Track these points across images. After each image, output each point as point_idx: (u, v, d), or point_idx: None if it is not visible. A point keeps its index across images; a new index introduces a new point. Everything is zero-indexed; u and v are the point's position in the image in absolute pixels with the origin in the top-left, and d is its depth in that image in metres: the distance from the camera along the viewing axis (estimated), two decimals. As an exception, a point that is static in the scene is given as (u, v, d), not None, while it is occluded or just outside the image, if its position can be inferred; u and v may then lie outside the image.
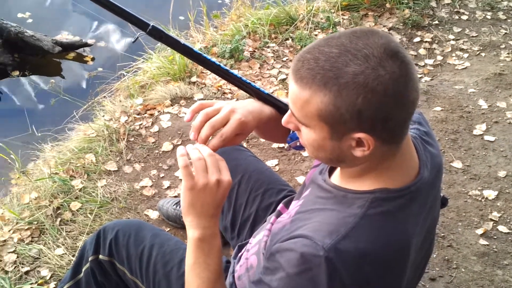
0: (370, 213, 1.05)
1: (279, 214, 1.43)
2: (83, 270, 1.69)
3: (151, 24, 1.40)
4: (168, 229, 2.49)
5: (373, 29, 1.00)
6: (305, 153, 2.86)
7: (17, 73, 4.29)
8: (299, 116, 1.04)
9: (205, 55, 1.46)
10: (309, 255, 1.00)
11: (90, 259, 1.66)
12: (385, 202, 1.06)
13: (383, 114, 0.96)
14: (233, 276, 1.52)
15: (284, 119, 1.15)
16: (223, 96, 3.42)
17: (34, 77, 4.34)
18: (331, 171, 1.25)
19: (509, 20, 4.41)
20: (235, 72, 1.46)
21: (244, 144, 2.86)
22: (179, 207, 2.46)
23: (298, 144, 1.36)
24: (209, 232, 1.22)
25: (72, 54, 4.53)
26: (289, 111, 1.11)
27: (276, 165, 2.87)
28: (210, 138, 1.30)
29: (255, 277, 1.18)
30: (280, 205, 1.50)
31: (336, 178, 1.19)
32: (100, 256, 1.65)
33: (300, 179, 2.74)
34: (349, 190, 1.11)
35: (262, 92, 1.43)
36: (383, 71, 0.93)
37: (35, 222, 2.51)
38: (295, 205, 1.28)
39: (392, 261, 1.06)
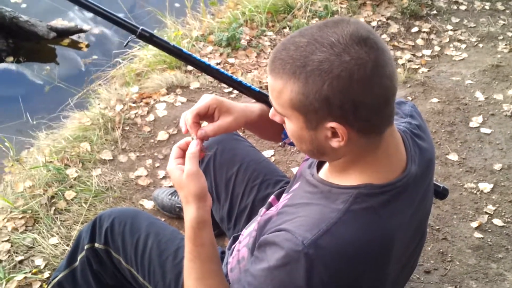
0: (353, 209, 1.05)
1: (269, 207, 1.44)
2: (78, 258, 1.69)
3: (141, 28, 1.47)
4: (163, 219, 2.48)
5: (345, 18, 1.00)
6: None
7: (11, 59, 4.25)
8: (277, 107, 1.06)
9: (195, 55, 1.50)
10: (289, 249, 1.01)
11: (85, 247, 1.66)
12: (368, 197, 1.06)
13: (350, 100, 0.96)
14: (227, 268, 1.52)
15: (271, 112, 1.17)
16: (219, 85, 3.40)
17: (28, 63, 4.30)
18: (320, 166, 1.25)
19: (507, 11, 4.40)
20: (226, 71, 1.50)
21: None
22: (174, 197, 2.46)
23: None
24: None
25: (67, 40, 4.49)
26: None
27: (272, 155, 2.86)
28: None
29: (245, 268, 1.18)
30: (272, 197, 1.50)
31: (324, 172, 1.20)
32: (96, 245, 1.65)
33: (296, 170, 2.72)
34: (334, 185, 1.12)
35: (254, 90, 1.48)
36: (348, 57, 0.94)
37: (29, 211, 2.49)
38: (283, 198, 1.29)
39: (373, 257, 1.06)
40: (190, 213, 1.22)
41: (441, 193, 1.78)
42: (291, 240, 1.01)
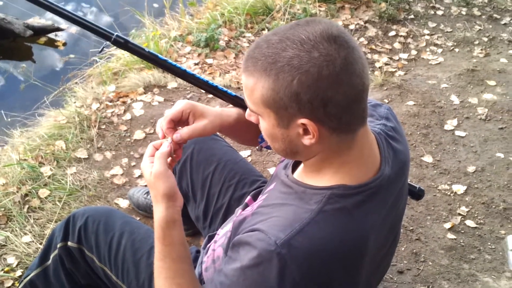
0: (326, 209, 1.05)
1: (245, 207, 1.44)
2: (51, 257, 1.67)
3: (115, 34, 1.49)
4: (139, 218, 2.46)
5: (317, 18, 1.03)
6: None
7: (-14, 56, 4.20)
8: (250, 105, 1.07)
9: (170, 61, 1.51)
10: (261, 249, 1.01)
11: (58, 245, 1.64)
12: (342, 198, 1.07)
13: (319, 96, 0.97)
14: (202, 267, 1.52)
15: (246, 113, 1.18)
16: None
17: (4, 61, 4.25)
18: (295, 167, 1.25)
19: (483, 17, 4.47)
20: (202, 76, 1.51)
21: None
22: (150, 196, 2.44)
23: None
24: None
25: (43, 39, 4.46)
26: None
27: (248, 156, 2.86)
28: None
29: (219, 268, 1.18)
30: (248, 198, 1.51)
31: (298, 173, 1.21)
32: (69, 243, 1.63)
33: (272, 170, 2.73)
34: (308, 185, 1.12)
35: (230, 94, 1.49)
36: (317, 53, 0.95)
37: (2, 209, 2.46)
38: (259, 199, 1.29)
39: (346, 258, 1.07)
40: (158, 213, 1.22)
41: (417, 194, 1.80)
42: (264, 240, 1.01)
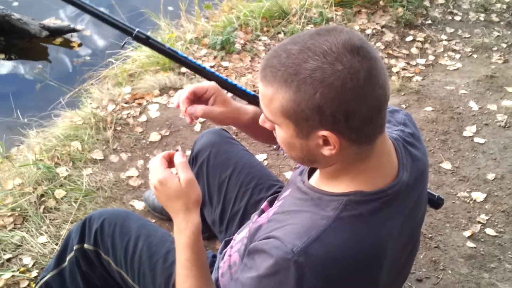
0: (343, 216, 1.03)
1: (261, 213, 1.42)
2: (67, 259, 1.66)
3: (137, 30, 1.53)
4: (154, 220, 2.45)
5: (337, 26, 0.99)
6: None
7: (2, 56, 4.22)
8: (267, 114, 1.05)
9: (190, 58, 1.52)
10: (278, 257, 0.99)
11: (75, 248, 1.63)
12: (359, 205, 1.05)
13: (342, 109, 0.95)
14: (218, 272, 1.50)
15: (261, 119, 1.16)
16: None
17: (20, 61, 4.27)
18: (311, 173, 1.24)
19: (501, 23, 4.42)
20: (222, 74, 1.53)
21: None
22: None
23: None
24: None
25: (59, 39, 4.47)
26: None
27: (264, 159, 2.84)
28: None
29: (236, 275, 1.16)
30: (264, 203, 1.49)
31: (314, 179, 1.19)
32: (85, 245, 1.62)
33: (289, 175, 2.71)
34: (325, 192, 1.10)
35: (248, 93, 1.53)
36: (341, 65, 0.93)
37: (18, 209, 2.45)
38: (274, 206, 1.29)
39: (364, 265, 1.04)
40: (193, 220, 1.23)
41: (436, 202, 1.77)
42: (281, 248, 0.99)
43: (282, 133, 1.06)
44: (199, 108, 1.36)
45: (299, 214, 1.09)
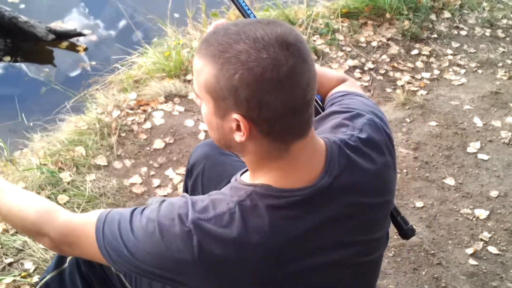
0: (243, 204, 1.06)
1: None
2: (67, 260, 1.66)
3: None
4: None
5: (280, 21, 1.02)
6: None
7: (8, 58, 4.22)
8: (195, 88, 1.08)
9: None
10: (178, 215, 1.05)
11: None
12: (260, 197, 1.06)
13: (256, 97, 0.96)
14: None
15: (193, 94, 1.19)
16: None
17: (26, 64, 4.27)
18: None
19: (507, 39, 4.42)
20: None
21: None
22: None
23: None
24: None
25: (65, 43, 4.47)
26: None
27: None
28: None
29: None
30: None
31: (244, 175, 1.21)
32: None
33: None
34: (242, 181, 1.14)
35: None
36: (266, 54, 0.95)
37: (20, 213, 2.44)
38: None
39: (241, 259, 1.04)
40: None
41: (405, 232, 1.54)
42: (184, 209, 1.05)
43: (204, 110, 1.08)
44: None
45: (219, 195, 1.12)
